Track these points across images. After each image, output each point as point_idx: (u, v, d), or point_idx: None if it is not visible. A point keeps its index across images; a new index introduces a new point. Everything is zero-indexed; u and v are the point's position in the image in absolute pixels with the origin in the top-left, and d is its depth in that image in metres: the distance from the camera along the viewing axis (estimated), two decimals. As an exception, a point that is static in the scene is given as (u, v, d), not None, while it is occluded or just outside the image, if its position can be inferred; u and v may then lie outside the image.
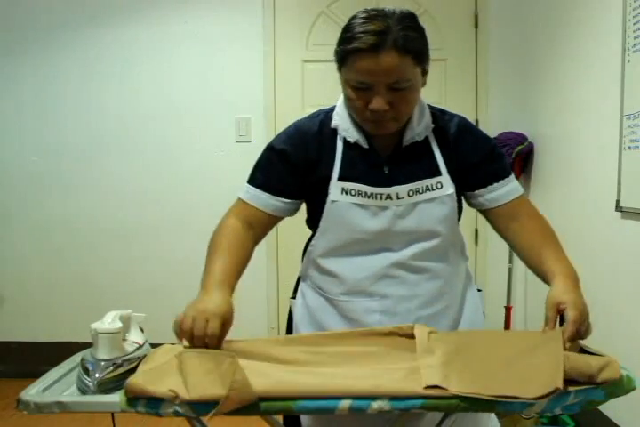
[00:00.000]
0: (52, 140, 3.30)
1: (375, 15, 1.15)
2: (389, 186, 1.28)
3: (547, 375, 0.93)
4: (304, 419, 1.35)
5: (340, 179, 1.28)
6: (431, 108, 1.34)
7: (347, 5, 3.17)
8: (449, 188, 1.30)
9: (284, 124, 3.49)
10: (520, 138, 3.03)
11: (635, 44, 2.05)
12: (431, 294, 1.33)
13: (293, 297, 1.48)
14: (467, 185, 1.33)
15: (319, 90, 3.23)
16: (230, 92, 3.26)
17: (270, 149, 1.33)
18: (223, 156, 3.23)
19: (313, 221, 1.36)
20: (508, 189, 1.32)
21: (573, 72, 2.63)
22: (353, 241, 1.31)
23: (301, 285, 1.45)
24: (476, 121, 3.22)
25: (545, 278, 1.23)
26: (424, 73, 1.24)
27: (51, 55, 3.28)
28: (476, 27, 3.22)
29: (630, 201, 2.11)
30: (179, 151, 3.27)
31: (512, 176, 1.34)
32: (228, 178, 3.21)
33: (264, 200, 1.31)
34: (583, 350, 1.06)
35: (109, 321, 1.15)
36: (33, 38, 3.28)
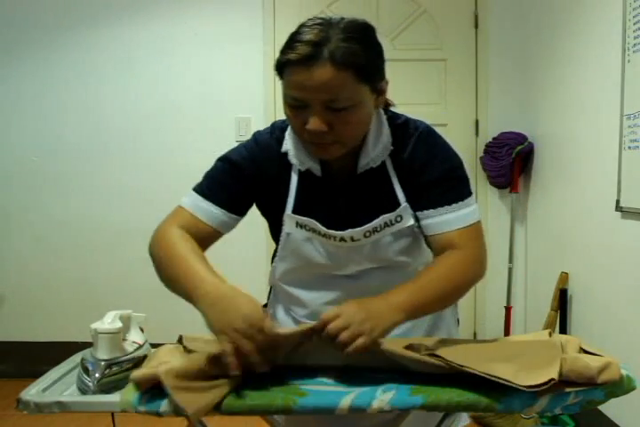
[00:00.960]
0: (51, 140, 3.30)
1: (318, 24, 1.02)
2: (343, 229, 1.18)
3: (542, 367, 0.93)
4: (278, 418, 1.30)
5: (295, 211, 1.20)
6: (396, 118, 1.20)
7: (347, 5, 3.17)
8: (409, 219, 1.18)
9: (284, 124, 3.37)
10: (520, 138, 3.03)
11: (635, 44, 2.05)
12: None
13: (265, 305, 1.42)
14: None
15: (319, 90, 3.23)
16: (230, 92, 3.26)
17: (225, 161, 1.21)
18: (223, 156, 3.23)
19: (274, 238, 1.31)
20: (446, 218, 1.15)
21: (573, 72, 2.63)
22: (311, 271, 1.27)
23: (272, 297, 1.42)
24: (476, 121, 3.22)
25: None
26: (377, 92, 1.10)
27: (50, 55, 3.28)
28: (476, 27, 3.21)
29: (630, 201, 2.11)
30: (179, 151, 3.27)
31: (462, 203, 1.16)
32: (228, 178, 3.22)
33: (209, 212, 1.17)
34: (584, 351, 1.06)
35: (109, 321, 1.15)
36: (32, 38, 3.27)
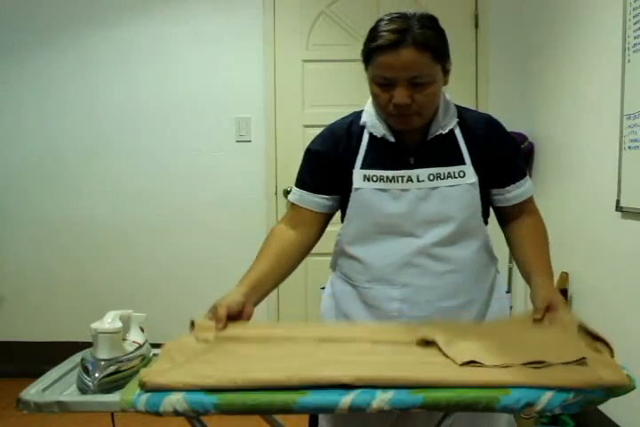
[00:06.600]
0: (52, 139, 3.30)
1: (397, 17, 1.25)
2: (411, 169, 1.34)
3: (568, 347, 1.00)
4: (322, 421, 1.40)
5: (363, 167, 1.35)
6: (458, 106, 1.41)
7: (347, 5, 3.16)
8: (471, 177, 1.34)
9: (284, 124, 3.49)
10: (520, 138, 3.03)
11: (635, 44, 2.05)
12: (452, 287, 1.36)
13: (324, 287, 1.54)
14: (489, 182, 1.38)
15: (319, 90, 3.23)
16: (230, 92, 3.25)
17: (307, 152, 1.44)
18: (223, 156, 3.23)
19: (342, 212, 1.43)
20: (521, 190, 1.41)
21: (573, 72, 2.63)
22: (377, 226, 1.36)
23: (331, 275, 1.51)
24: (476, 121, 3.23)
25: (526, 273, 1.34)
26: (445, 71, 1.30)
27: (51, 55, 3.28)
28: (476, 27, 3.21)
29: (630, 201, 2.11)
30: (179, 151, 3.26)
31: (527, 176, 1.43)
32: (228, 178, 3.21)
33: (306, 199, 1.41)
34: (584, 331, 1.13)
35: (109, 321, 1.15)
36: (33, 38, 3.27)
